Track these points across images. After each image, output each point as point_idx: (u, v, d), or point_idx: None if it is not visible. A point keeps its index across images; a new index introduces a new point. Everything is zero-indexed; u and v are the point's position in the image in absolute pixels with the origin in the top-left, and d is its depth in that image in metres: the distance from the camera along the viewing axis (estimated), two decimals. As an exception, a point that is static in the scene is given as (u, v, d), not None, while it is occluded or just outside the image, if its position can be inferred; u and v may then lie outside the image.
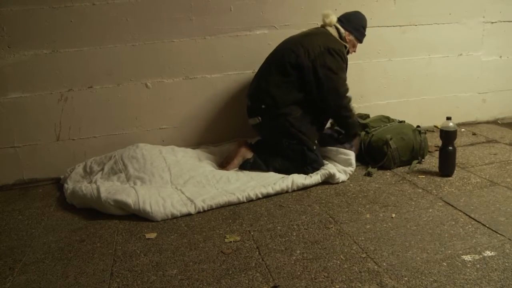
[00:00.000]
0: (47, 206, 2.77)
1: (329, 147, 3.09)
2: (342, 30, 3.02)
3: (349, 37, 3.06)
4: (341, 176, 2.87)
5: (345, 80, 2.95)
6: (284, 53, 2.93)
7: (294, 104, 2.90)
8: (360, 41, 3.16)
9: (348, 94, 2.95)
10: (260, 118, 2.96)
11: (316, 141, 2.98)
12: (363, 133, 3.20)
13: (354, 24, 3.09)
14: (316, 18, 3.38)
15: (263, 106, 2.91)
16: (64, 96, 3.07)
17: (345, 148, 3.05)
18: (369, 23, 3.41)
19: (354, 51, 3.16)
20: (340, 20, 3.07)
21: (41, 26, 2.93)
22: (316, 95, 2.89)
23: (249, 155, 3.00)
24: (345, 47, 3.01)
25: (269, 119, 2.93)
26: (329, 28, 3.02)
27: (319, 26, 3.10)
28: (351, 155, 3.00)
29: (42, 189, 3.05)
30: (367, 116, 3.51)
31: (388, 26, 3.60)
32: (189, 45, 3.21)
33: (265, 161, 2.96)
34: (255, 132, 3.13)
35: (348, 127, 3.05)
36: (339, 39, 2.99)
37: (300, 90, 2.89)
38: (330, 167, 2.90)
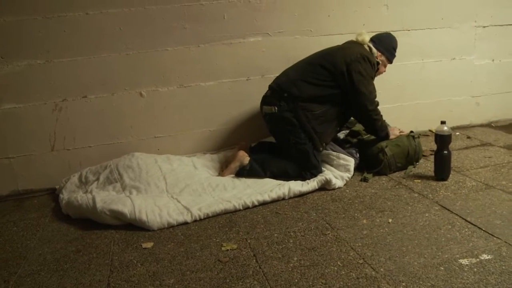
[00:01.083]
0: (43, 217, 2.75)
1: (328, 152, 3.08)
2: (374, 50, 3.10)
3: (381, 58, 3.15)
4: (338, 182, 2.87)
5: (374, 87, 3.03)
6: (321, 55, 3.04)
7: (317, 102, 2.93)
8: (390, 62, 3.25)
9: (376, 99, 3.01)
10: (276, 108, 2.95)
11: (324, 144, 3.01)
12: (355, 140, 3.22)
13: (386, 45, 3.17)
14: (309, 25, 3.40)
15: (285, 95, 2.93)
16: (59, 106, 3.06)
17: (351, 154, 3.06)
18: (362, 29, 3.43)
19: (384, 71, 3.24)
20: (372, 40, 3.15)
21: (34, 36, 2.92)
22: (348, 98, 2.96)
23: (246, 160, 2.99)
24: (378, 62, 3.11)
25: (287, 109, 2.92)
26: (365, 45, 3.10)
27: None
28: (351, 161, 3.00)
29: (37, 199, 3.03)
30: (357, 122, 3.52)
31: (381, 32, 3.60)
32: (183, 53, 3.21)
33: (262, 165, 2.95)
34: (265, 122, 3.10)
35: (377, 130, 3.08)
36: (372, 54, 3.09)
37: (328, 88, 2.93)
38: (327, 173, 2.90)
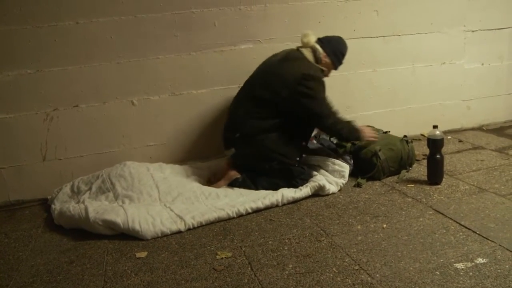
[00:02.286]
0: (35, 227, 2.72)
1: (324, 158, 3.08)
2: (320, 50, 2.95)
3: (326, 59, 2.97)
4: (332, 188, 2.86)
5: (325, 99, 2.88)
6: (258, 86, 2.92)
7: (271, 131, 2.87)
8: (335, 68, 3.07)
9: (333, 110, 2.91)
10: (235, 148, 2.95)
11: (298, 158, 2.95)
12: (349, 144, 3.22)
13: (334, 47, 3.01)
14: (300, 32, 3.37)
15: (237, 135, 2.90)
16: (50, 116, 3.04)
17: (345, 160, 3.06)
18: (352, 34, 3.45)
19: (327, 76, 3.05)
20: (320, 40, 3.00)
21: (24, 46, 2.90)
22: (301, 121, 2.90)
23: (237, 176, 2.98)
24: (322, 70, 2.96)
25: (244, 147, 2.91)
26: (304, 51, 2.95)
27: (296, 48, 3.02)
28: (346, 168, 3.00)
29: (29, 210, 3.00)
30: None
31: (371, 37, 3.63)
32: (174, 61, 3.21)
33: (253, 181, 2.93)
34: (234, 163, 3.06)
35: (346, 137, 3.04)
36: (314, 63, 2.93)
37: (277, 118, 2.86)
38: (319, 179, 2.89)
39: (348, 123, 2.97)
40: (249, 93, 2.96)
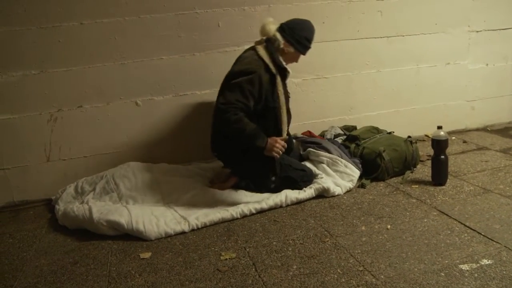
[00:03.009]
0: (39, 228, 2.73)
1: (336, 157, 3.04)
2: (280, 40, 2.75)
3: (288, 49, 2.78)
4: (337, 190, 2.85)
5: (243, 93, 2.61)
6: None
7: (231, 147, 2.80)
8: (303, 53, 2.87)
9: (238, 120, 2.59)
10: (228, 168, 2.99)
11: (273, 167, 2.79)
12: (353, 145, 3.20)
13: (297, 35, 2.78)
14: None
15: (215, 154, 2.95)
16: (54, 117, 3.05)
17: (356, 165, 3.03)
18: (356, 35, 3.44)
19: (295, 62, 2.90)
20: (282, 28, 2.79)
21: (29, 47, 2.91)
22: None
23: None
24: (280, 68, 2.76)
25: (231, 165, 2.96)
26: (259, 48, 2.75)
27: (250, 47, 2.87)
28: (356, 174, 2.98)
29: (33, 211, 3.01)
30: (354, 127, 3.53)
31: (375, 38, 3.62)
32: (178, 62, 3.21)
33: (256, 186, 2.90)
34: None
35: (248, 136, 2.64)
36: (264, 60, 2.70)
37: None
38: (324, 181, 2.87)
39: (256, 128, 2.64)
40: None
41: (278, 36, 2.77)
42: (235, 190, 2.91)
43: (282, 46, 2.77)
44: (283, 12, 3.34)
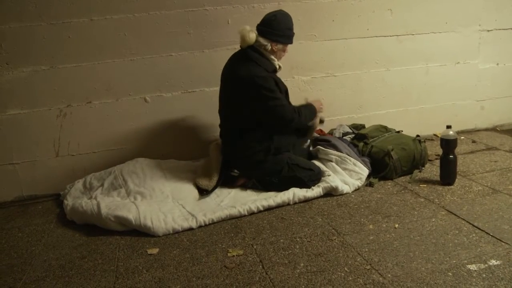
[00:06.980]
0: (47, 222, 2.74)
1: (345, 155, 3.03)
2: (267, 44, 2.78)
3: (276, 47, 2.81)
4: (345, 188, 2.84)
5: (280, 99, 2.79)
6: (223, 107, 2.99)
7: (254, 142, 2.87)
8: (290, 42, 2.89)
9: (294, 111, 2.85)
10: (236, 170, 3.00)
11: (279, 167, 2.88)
12: (361, 143, 3.19)
13: (279, 31, 2.77)
14: (313, 30, 3.40)
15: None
16: (63, 112, 3.06)
17: (366, 163, 3.02)
18: (366, 33, 3.43)
19: (285, 53, 2.92)
20: (261, 31, 2.78)
21: (39, 42, 2.93)
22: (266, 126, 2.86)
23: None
24: (270, 66, 2.83)
25: (244, 171, 2.97)
26: (250, 53, 2.79)
27: (240, 48, 2.87)
28: (365, 172, 2.97)
29: (42, 205, 3.03)
30: (362, 126, 3.52)
31: (385, 36, 3.61)
32: (187, 58, 3.21)
33: (264, 186, 2.90)
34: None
35: (308, 129, 3.09)
36: (260, 61, 2.78)
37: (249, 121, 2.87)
38: (332, 180, 2.86)
39: (307, 113, 2.97)
40: (224, 116, 3.02)
41: (262, 40, 2.77)
42: (244, 189, 2.92)
43: (270, 47, 2.79)
44: (292, 9, 3.31)
